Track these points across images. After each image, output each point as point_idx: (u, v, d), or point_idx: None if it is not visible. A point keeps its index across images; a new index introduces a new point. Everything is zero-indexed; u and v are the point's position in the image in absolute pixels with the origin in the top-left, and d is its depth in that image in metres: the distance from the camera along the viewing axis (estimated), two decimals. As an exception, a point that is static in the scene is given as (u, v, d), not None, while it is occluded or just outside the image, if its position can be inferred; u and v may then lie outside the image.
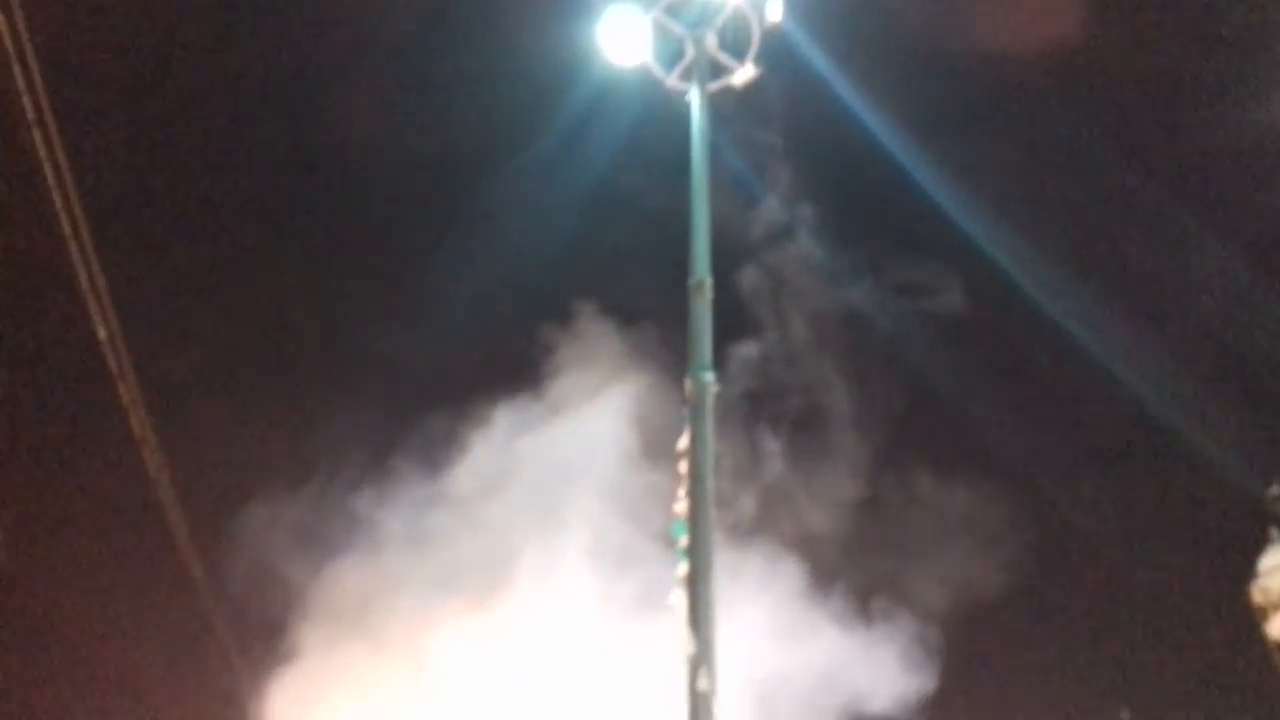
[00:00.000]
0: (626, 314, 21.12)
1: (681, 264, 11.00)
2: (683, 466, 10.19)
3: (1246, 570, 39.19)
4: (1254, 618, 39.03)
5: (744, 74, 13.59)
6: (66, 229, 14.06)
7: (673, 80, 13.47)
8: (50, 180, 13.77)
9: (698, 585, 9.42)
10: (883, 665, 17.64)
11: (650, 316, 20.42)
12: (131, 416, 16.31)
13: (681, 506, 9.97)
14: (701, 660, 9.04)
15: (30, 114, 13.61)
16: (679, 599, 9.40)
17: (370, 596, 18.55)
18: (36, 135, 13.68)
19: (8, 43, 13.16)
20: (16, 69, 13.33)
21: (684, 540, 9.74)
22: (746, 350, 20.42)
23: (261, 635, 19.47)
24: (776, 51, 13.62)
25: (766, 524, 17.51)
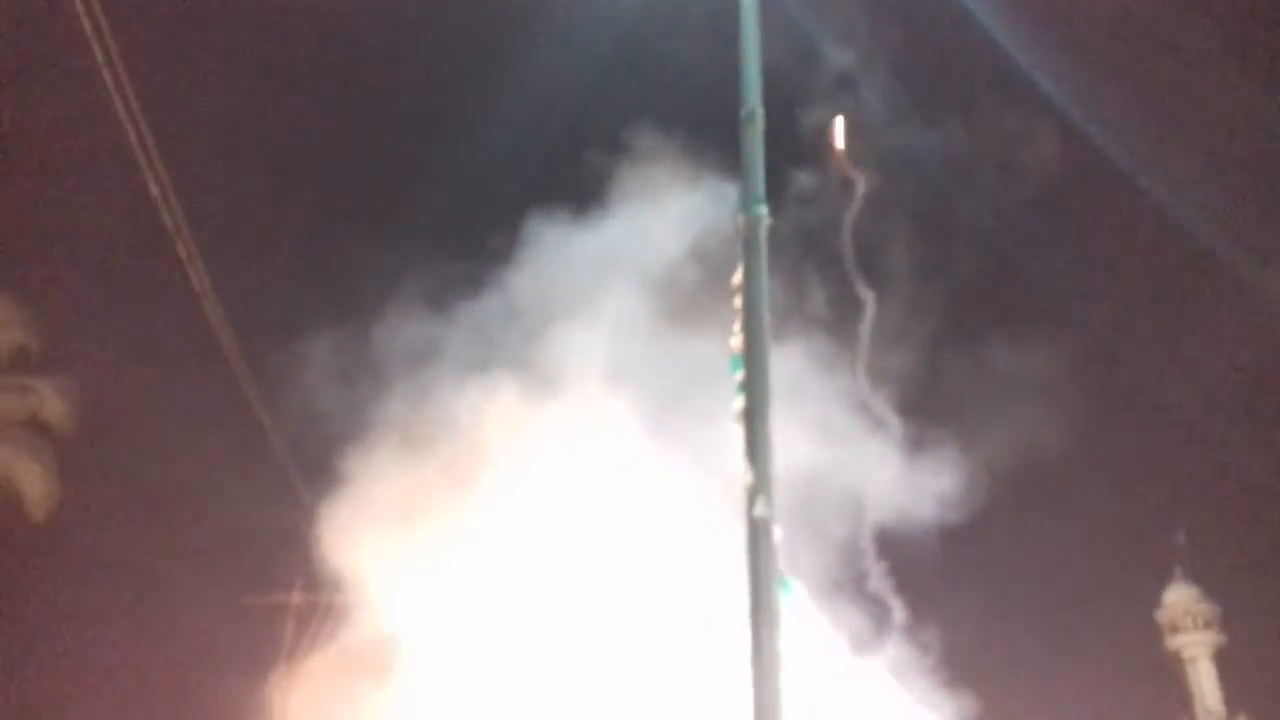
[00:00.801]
0: (682, 146, 20.84)
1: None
2: (737, 301, 10.21)
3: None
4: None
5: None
6: (110, 85, 13.96)
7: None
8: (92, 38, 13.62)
9: (755, 419, 9.59)
10: (928, 493, 17.96)
11: (708, 151, 20.15)
12: (189, 271, 16.57)
13: (737, 341, 10.04)
14: (759, 489, 9.29)
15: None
16: (736, 432, 9.59)
17: (424, 421, 18.85)
18: None
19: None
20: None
21: (740, 375, 9.86)
22: (804, 183, 20.08)
23: (320, 465, 20.06)
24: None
25: (826, 362, 17.42)
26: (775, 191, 10.80)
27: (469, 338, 19.41)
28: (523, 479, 17.34)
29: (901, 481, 18.19)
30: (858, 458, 17.42)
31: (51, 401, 21.40)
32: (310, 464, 20.82)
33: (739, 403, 9.72)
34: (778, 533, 9.39)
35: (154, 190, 15.33)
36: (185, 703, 27.22)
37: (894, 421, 18.09)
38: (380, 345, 20.20)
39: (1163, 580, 46.00)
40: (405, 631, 18.01)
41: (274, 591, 25.21)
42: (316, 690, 26.86)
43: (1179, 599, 45.41)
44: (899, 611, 16.37)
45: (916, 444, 18.83)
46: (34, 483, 20.63)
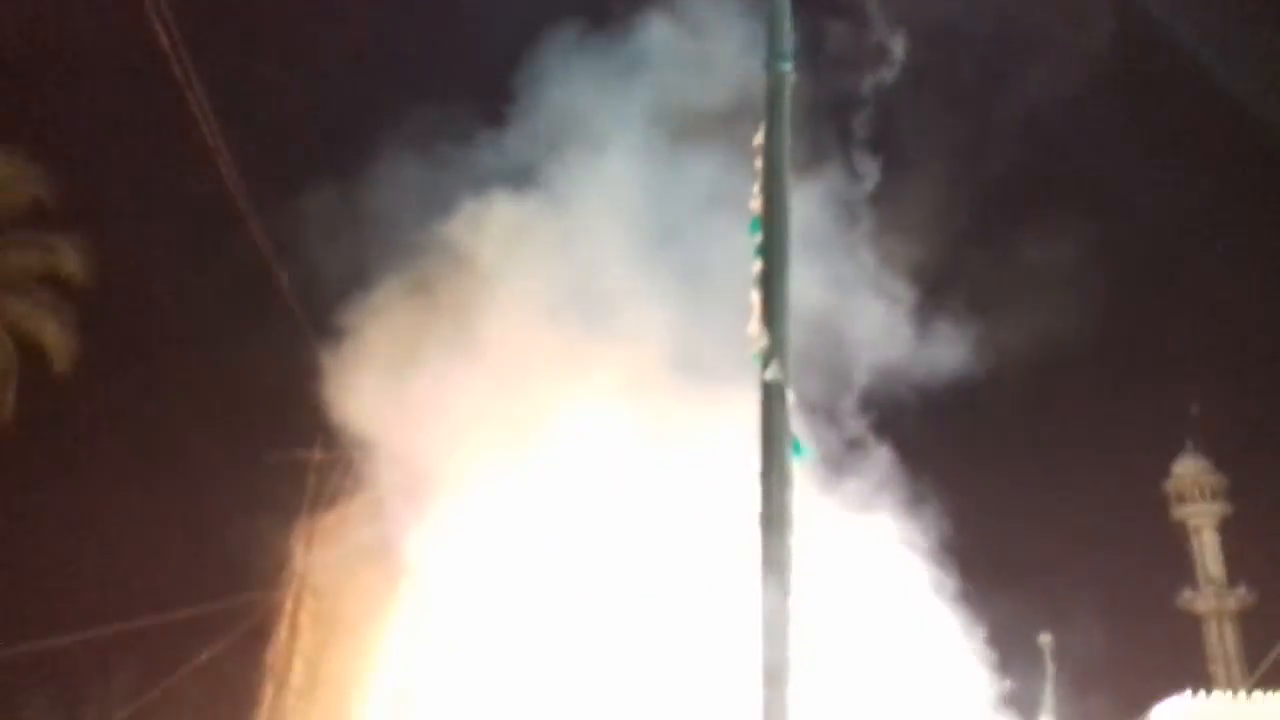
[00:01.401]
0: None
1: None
2: (758, 163, 10.03)
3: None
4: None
5: None
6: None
7: None
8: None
9: (772, 282, 9.52)
10: (939, 362, 17.86)
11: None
12: (202, 124, 16.34)
13: (757, 203, 9.90)
14: (774, 352, 9.29)
15: None
16: (754, 296, 9.53)
17: (433, 271, 18.69)
18: None
19: None
20: None
21: (759, 237, 9.75)
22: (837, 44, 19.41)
23: (334, 319, 20.03)
24: None
25: (852, 231, 17.08)
26: (806, 53, 10.47)
27: (479, 178, 19.07)
28: (532, 325, 17.18)
29: (913, 350, 18.13)
30: (870, 324, 17.28)
31: (69, 257, 21.46)
32: (324, 318, 20.86)
33: (757, 265, 9.64)
34: (791, 396, 9.44)
35: (164, 41, 15.03)
36: (207, 556, 28.06)
37: (907, 293, 17.91)
38: (388, 193, 19.98)
39: (1174, 453, 46.39)
40: (418, 488, 18.23)
41: (294, 447, 25.64)
42: (336, 546, 27.66)
43: (1188, 470, 45.85)
44: (904, 479, 16.48)
45: (932, 315, 18.73)
46: (55, 337, 20.86)
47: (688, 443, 15.35)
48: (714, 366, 14.83)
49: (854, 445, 15.55)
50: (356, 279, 20.06)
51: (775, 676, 9.15)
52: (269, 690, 26.31)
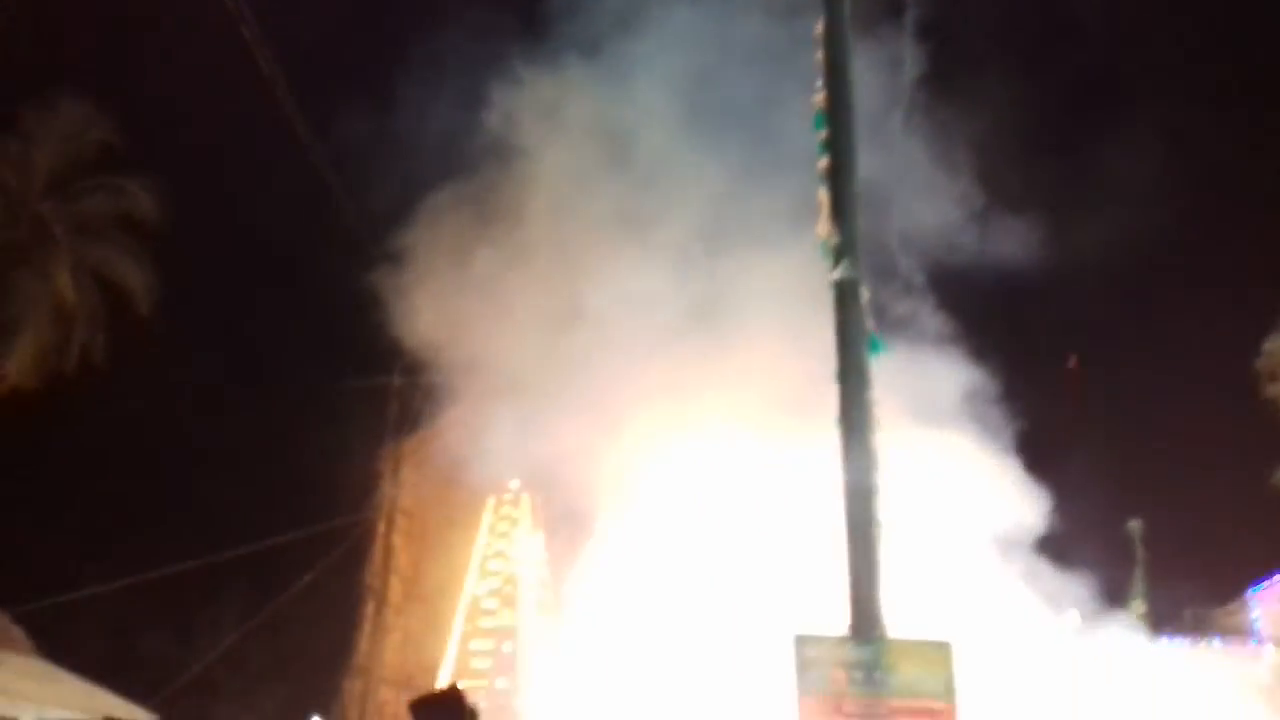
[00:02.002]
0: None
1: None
2: (819, 55, 9.69)
3: None
4: None
5: None
6: None
7: None
8: None
9: (839, 177, 9.26)
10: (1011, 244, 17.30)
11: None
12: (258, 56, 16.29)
13: (820, 97, 9.59)
14: (845, 250, 9.07)
15: None
16: (821, 193, 9.29)
17: (501, 194, 18.48)
18: None
19: None
20: None
21: (824, 133, 9.46)
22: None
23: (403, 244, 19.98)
24: None
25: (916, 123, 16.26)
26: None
27: (536, 99, 18.68)
28: (605, 243, 16.93)
29: (995, 242, 17.49)
30: (938, 218, 16.60)
31: (141, 198, 21.81)
32: (383, 242, 20.82)
33: (823, 161, 9.37)
34: (865, 293, 9.23)
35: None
36: (301, 483, 28.82)
37: (982, 188, 17.23)
38: (453, 115, 19.74)
39: (1264, 332, 44.74)
40: (495, 401, 18.24)
41: (374, 373, 26.05)
42: (422, 467, 28.25)
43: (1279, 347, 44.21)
44: (981, 375, 16.01)
45: (1006, 208, 18.04)
46: (136, 279, 21.33)
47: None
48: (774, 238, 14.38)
49: (927, 342, 15.13)
50: (407, 199, 19.97)
51: (864, 576, 9.14)
52: (369, 608, 27.22)
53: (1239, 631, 18.59)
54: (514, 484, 28.08)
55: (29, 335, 20.45)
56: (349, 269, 21.37)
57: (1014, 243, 17.61)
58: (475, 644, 27.30)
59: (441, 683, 26.44)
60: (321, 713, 31.15)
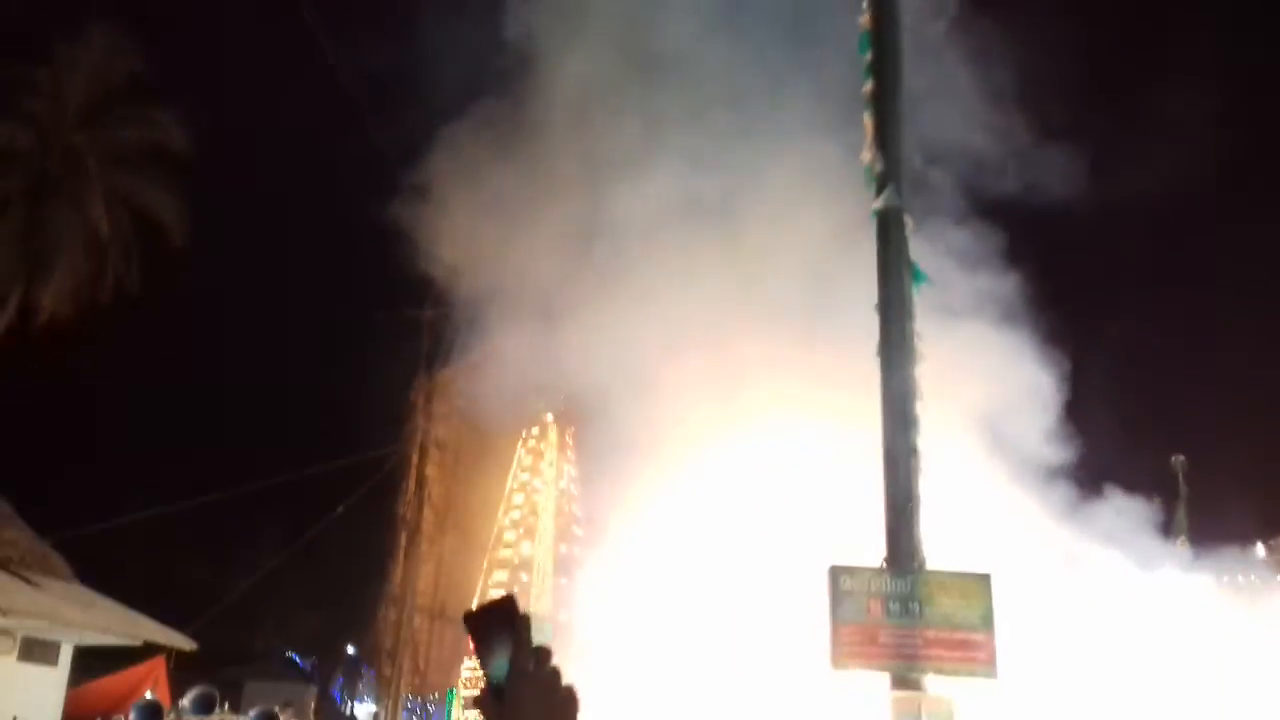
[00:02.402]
0: None
1: None
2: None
3: None
4: None
5: None
6: None
7: None
8: None
9: (884, 103, 9.04)
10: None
11: None
12: None
13: (865, 18, 9.35)
14: (890, 176, 8.89)
15: None
16: (866, 118, 9.08)
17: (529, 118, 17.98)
18: None
19: None
20: None
21: (869, 56, 9.23)
22: None
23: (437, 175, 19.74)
24: None
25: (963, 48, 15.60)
26: None
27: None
28: (636, 165, 16.43)
29: (1048, 174, 16.77)
30: (987, 147, 16.01)
31: (173, 130, 21.74)
32: (422, 173, 20.62)
33: (868, 86, 9.16)
34: (909, 221, 9.06)
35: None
36: (335, 415, 29.08)
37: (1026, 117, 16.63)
38: (474, 36, 19.27)
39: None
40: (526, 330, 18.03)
41: (404, 306, 26.06)
42: (454, 399, 28.38)
43: None
44: (1030, 308, 15.58)
45: (1057, 140, 17.39)
46: (168, 210, 21.34)
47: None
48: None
49: (975, 274, 14.70)
50: (432, 127, 19.60)
51: (902, 508, 9.09)
52: (402, 538, 27.54)
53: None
54: (547, 417, 28.20)
55: (64, 266, 20.56)
56: (379, 199, 21.25)
57: (1060, 174, 17.08)
58: (495, 575, 27.60)
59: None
60: (356, 640, 31.81)
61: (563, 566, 27.44)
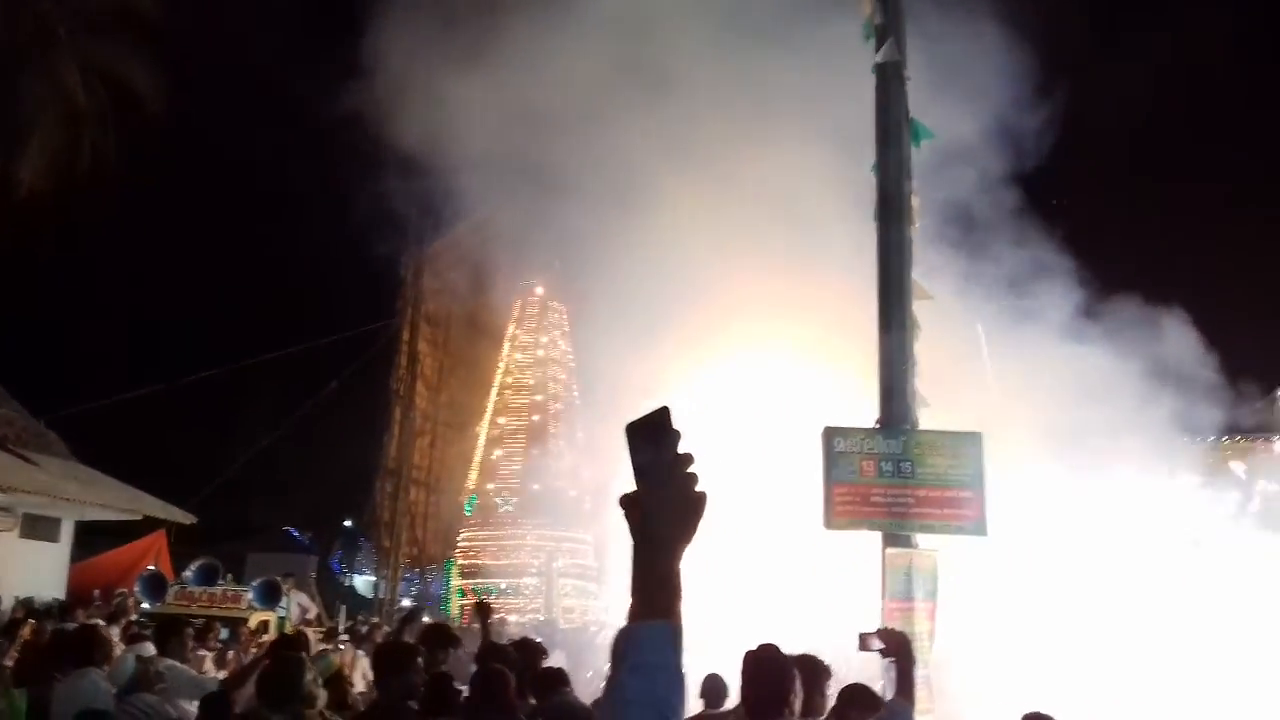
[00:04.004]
0: None
1: None
2: None
3: None
4: None
5: None
6: None
7: None
8: None
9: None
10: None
11: None
12: None
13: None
14: (889, 30, 8.60)
15: None
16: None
17: None
18: None
19: None
20: None
21: None
22: None
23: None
24: None
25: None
26: None
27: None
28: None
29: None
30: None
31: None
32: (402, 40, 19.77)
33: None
34: (908, 77, 8.81)
35: None
36: (321, 289, 28.87)
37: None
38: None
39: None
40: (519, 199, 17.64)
41: (391, 180, 25.58)
42: (446, 273, 28.17)
43: None
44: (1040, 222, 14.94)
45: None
46: (142, 78, 20.69)
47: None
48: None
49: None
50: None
51: (895, 368, 9.08)
52: (395, 412, 27.72)
53: (1267, 429, 18.73)
54: (539, 290, 28.01)
55: (40, 138, 20.04)
56: (357, 67, 20.53)
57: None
58: (502, 420, 27.41)
59: (470, 480, 27.18)
60: (353, 513, 32.29)
61: (553, 434, 27.45)
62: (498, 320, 28.35)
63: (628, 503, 1.64)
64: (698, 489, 1.63)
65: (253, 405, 28.84)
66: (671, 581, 1.62)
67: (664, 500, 1.62)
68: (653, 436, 1.64)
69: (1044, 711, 4.73)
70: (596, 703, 1.64)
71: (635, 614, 1.60)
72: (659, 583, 1.61)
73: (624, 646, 1.59)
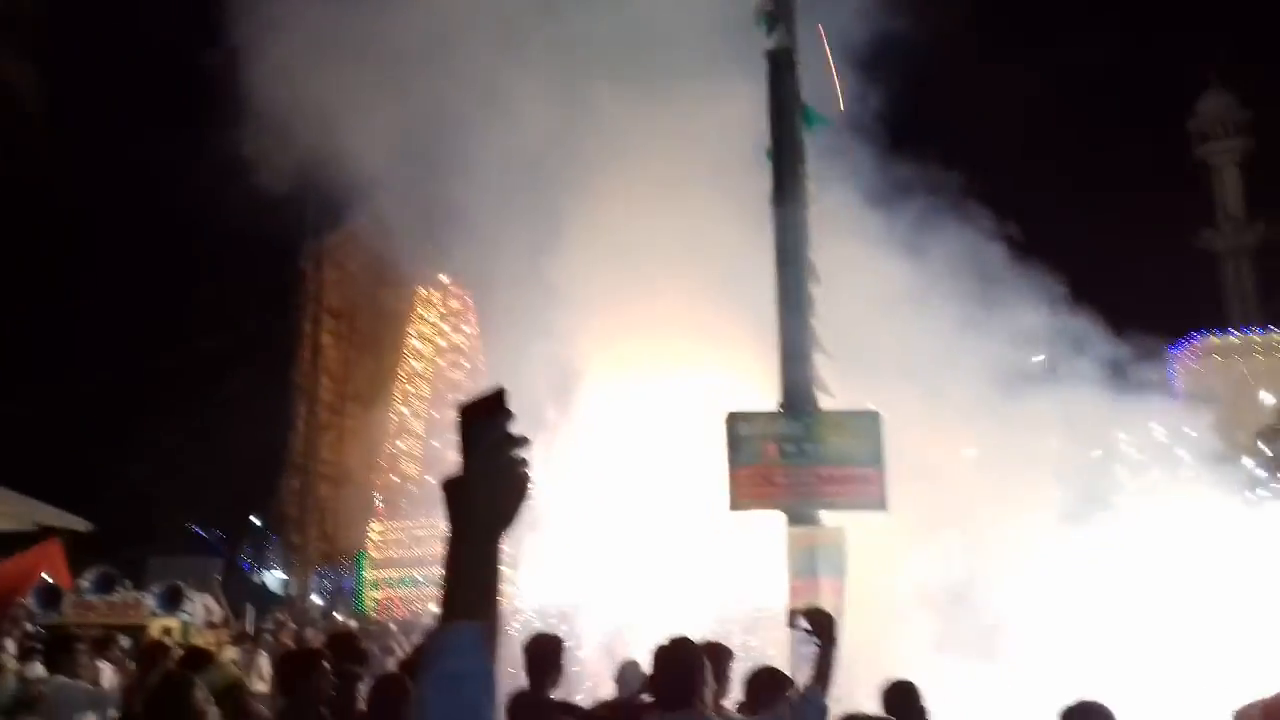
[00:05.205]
0: None
1: None
2: None
3: None
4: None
5: None
6: None
7: None
8: None
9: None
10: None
11: None
12: None
13: None
14: (780, 17, 8.71)
15: None
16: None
17: None
18: None
19: None
20: None
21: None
22: None
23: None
24: None
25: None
26: None
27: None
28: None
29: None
30: None
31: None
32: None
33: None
34: (799, 63, 8.93)
35: None
36: (217, 285, 28.16)
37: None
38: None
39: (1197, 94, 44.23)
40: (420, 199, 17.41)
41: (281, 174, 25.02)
42: (346, 264, 27.72)
43: (1211, 106, 43.70)
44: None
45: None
46: (22, 76, 20.00)
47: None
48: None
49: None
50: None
51: (795, 351, 9.22)
52: (300, 407, 27.23)
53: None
54: (442, 277, 27.68)
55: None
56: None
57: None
58: (406, 410, 27.21)
59: (377, 473, 26.85)
60: (260, 512, 31.62)
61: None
62: (402, 310, 27.98)
63: (451, 486, 1.63)
64: (523, 470, 1.62)
65: (152, 407, 28.06)
66: (485, 575, 1.60)
67: (487, 479, 1.60)
68: (484, 416, 1.64)
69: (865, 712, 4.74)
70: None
71: (445, 615, 1.58)
72: (471, 579, 1.59)
73: (430, 655, 1.57)
